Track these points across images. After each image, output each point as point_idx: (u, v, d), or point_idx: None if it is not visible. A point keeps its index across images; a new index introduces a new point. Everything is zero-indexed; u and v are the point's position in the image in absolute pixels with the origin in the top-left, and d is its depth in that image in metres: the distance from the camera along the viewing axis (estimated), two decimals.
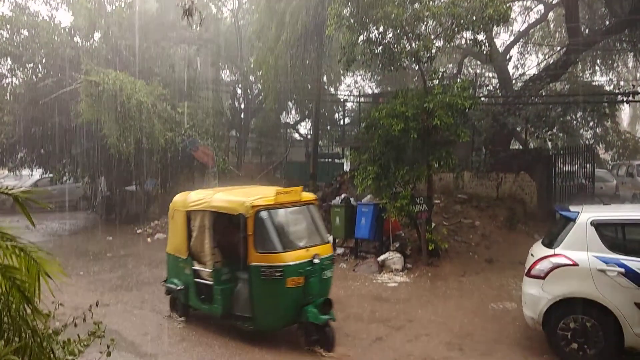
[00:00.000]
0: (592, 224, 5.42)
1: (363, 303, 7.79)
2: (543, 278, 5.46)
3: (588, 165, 14.42)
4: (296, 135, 24.65)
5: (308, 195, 6.77)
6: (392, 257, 9.84)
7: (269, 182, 14.29)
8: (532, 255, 5.91)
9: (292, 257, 5.74)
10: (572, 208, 5.91)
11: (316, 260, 5.79)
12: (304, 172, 17.56)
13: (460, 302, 7.74)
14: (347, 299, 8.04)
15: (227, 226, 6.59)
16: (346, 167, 18.85)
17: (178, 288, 6.73)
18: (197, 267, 6.53)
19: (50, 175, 16.73)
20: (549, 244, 5.76)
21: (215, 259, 6.33)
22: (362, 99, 20.24)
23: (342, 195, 11.96)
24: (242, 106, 20.86)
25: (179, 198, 7.18)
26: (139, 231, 13.78)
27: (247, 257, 5.75)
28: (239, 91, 20.70)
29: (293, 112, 22.88)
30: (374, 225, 10.42)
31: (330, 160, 21.10)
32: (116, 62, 13.78)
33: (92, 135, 13.33)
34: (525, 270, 5.77)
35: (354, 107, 21.70)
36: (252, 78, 19.15)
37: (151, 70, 14.53)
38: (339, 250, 11.28)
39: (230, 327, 6.28)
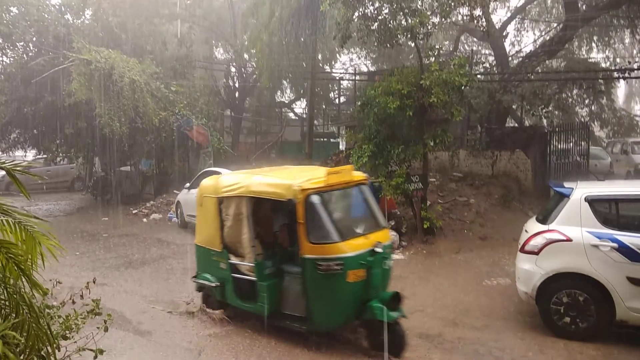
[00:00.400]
0: (586, 200, 5.46)
1: None
2: (537, 253, 5.52)
3: (583, 143, 14.44)
4: (291, 115, 24.53)
5: (359, 175, 5.94)
6: None
7: (264, 161, 14.26)
8: (526, 231, 5.96)
9: (352, 247, 4.98)
10: (566, 184, 5.93)
11: (378, 249, 5.02)
12: (299, 152, 17.52)
13: (454, 278, 7.83)
14: None
15: (266, 214, 5.96)
16: (342, 147, 18.81)
17: (212, 284, 5.97)
18: (234, 260, 5.74)
19: (44, 156, 16.63)
20: (543, 220, 5.80)
21: (255, 251, 5.57)
22: (357, 77, 20.09)
23: None
24: (237, 85, 20.68)
25: (208, 182, 6.34)
26: (134, 212, 13.78)
27: (298, 248, 5.07)
28: (233, 70, 20.49)
29: (288, 91, 22.72)
30: None
31: (325, 139, 21.04)
32: (108, 40, 13.57)
33: (86, 115, 13.22)
34: (519, 246, 5.83)
35: (349, 85, 21.56)
36: (246, 56, 18.92)
37: (143, 49, 14.33)
38: None
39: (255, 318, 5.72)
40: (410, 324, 5.91)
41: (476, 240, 10.22)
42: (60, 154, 16.07)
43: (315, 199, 5.07)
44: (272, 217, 6.02)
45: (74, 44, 12.26)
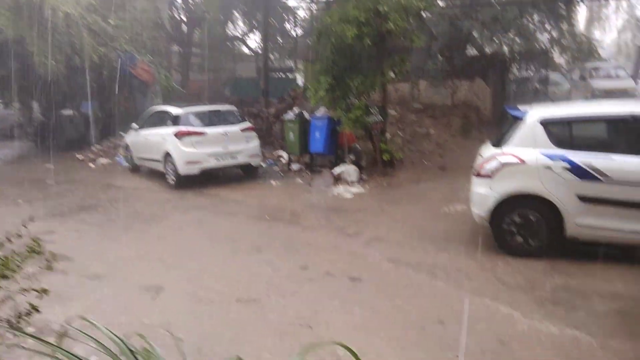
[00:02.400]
0: (539, 122, 5.43)
1: (319, 215, 7.81)
2: (491, 177, 5.53)
3: (542, 70, 14.50)
4: (245, 49, 23.41)
5: None
6: (348, 170, 9.82)
7: (217, 100, 13.67)
8: (481, 156, 5.94)
9: None
10: (521, 107, 5.87)
11: None
12: (255, 89, 16.91)
13: (413, 208, 7.89)
14: (303, 211, 8.04)
15: None
16: (300, 82, 18.27)
17: None
18: None
19: None
20: (497, 143, 5.77)
21: None
22: (314, 5, 19.17)
23: (296, 110, 11.61)
24: (183, 17, 19.29)
25: None
26: (80, 157, 13.10)
27: None
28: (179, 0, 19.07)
29: (240, 23, 21.48)
30: (328, 139, 10.26)
31: (282, 75, 20.36)
32: None
33: (19, 55, 12.11)
34: (474, 171, 5.82)
35: (306, 16, 20.60)
36: None
37: None
38: (295, 166, 11.17)
39: None
40: (369, 251, 5.95)
41: (436, 170, 10.30)
42: None
43: None
44: None
45: None
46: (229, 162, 10.13)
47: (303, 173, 10.71)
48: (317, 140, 10.31)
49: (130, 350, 1.55)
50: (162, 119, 10.67)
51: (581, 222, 5.16)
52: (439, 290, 4.79)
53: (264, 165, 11.51)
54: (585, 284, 4.75)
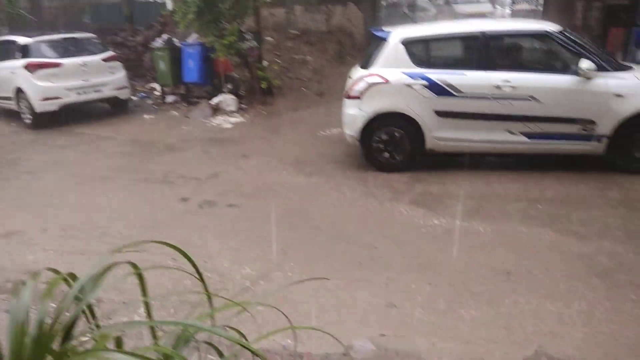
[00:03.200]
0: (401, 42, 5.71)
1: (196, 146, 7.61)
2: (360, 98, 5.79)
3: None
4: None
5: None
6: (226, 99, 9.57)
7: (76, 28, 12.16)
8: (350, 78, 6.14)
9: None
10: (385, 29, 6.10)
11: None
12: (119, 15, 15.27)
13: (292, 134, 8.03)
14: (180, 144, 7.77)
15: None
16: (169, 7, 16.83)
17: None
18: None
19: None
20: (365, 65, 5.99)
21: None
22: None
23: (165, 37, 10.81)
24: None
25: None
26: None
27: None
28: None
29: None
30: (203, 67, 9.80)
31: None
32: None
33: None
34: (345, 93, 6.03)
35: None
36: None
37: None
38: (169, 98, 10.59)
39: None
40: (246, 178, 6.01)
41: (313, 97, 10.45)
42: None
43: None
44: None
45: None
46: (93, 96, 9.27)
47: (179, 105, 10.21)
48: (191, 69, 9.80)
49: None
50: (8, 51, 9.33)
51: (438, 135, 5.70)
52: (314, 205, 5.06)
53: (134, 98, 10.73)
54: (442, 189, 5.35)
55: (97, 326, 1.02)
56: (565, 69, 5.42)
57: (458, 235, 4.23)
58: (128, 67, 10.43)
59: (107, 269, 1.08)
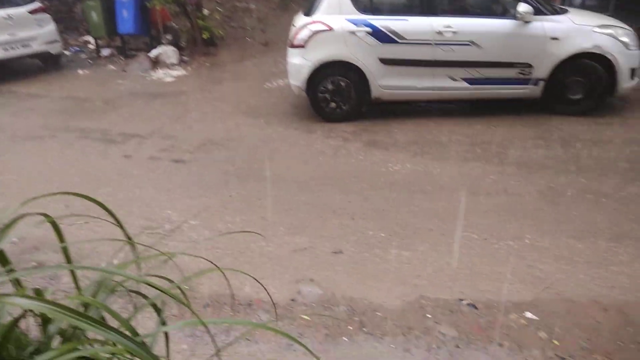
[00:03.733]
0: None
1: (136, 101, 7.28)
2: (304, 46, 5.66)
3: None
4: None
5: None
6: (166, 51, 9.13)
7: None
8: (294, 25, 5.97)
9: None
10: None
11: None
12: None
13: (237, 85, 7.81)
14: (118, 100, 7.40)
15: None
16: None
17: None
18: None
19: None
20: (308, 12, 5.83)
21: None
22: None
23: None
24: None
25: None
26: None
27: None
28: None
29: None
30: (139, 17, 9.23)
31: None
32: None
33: None
34: (289, 42, 5.88)
35: None
36: None
37: None
38: (105, 52, 9.98)
39: None
40: (191, 134, 5.85)
41: (258, 46, 10.12)
42: None
43: None
44: None
45: None
46: (20, 51, 8.59)
47: (115, 59, 9.65)
48: (126, 19, 9.21)
49: None
50: None
51: (383, 83, 5.71)
52: (262, 158, 5.03)
53: (67, 53, 10.04)
54: (386, 137, 5.42)
55: (11, 270, 1.00)
56: (504, 13, 5.49)
57: (403, 176, 4.35)
58: (58, 20, 9.69)
59: (18, 219, 1.06)
